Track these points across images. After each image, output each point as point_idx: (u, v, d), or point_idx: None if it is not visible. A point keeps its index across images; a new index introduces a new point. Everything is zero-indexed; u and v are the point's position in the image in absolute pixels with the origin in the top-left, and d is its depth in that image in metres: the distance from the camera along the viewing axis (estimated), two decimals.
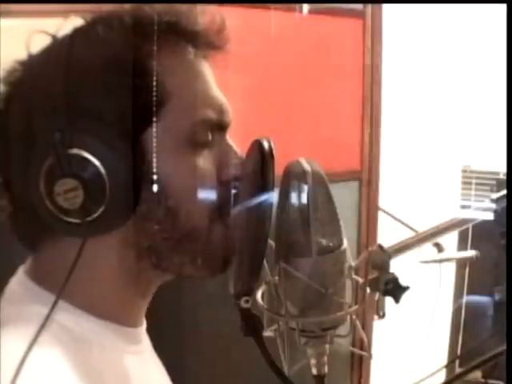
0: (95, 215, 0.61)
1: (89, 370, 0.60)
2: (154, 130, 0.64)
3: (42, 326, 0.56)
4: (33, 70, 0.65)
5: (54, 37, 0.66)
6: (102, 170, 0.61)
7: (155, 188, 0.64)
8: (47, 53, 0.66)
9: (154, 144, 0.64)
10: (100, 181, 0.61)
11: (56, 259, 0.66)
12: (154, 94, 0.63)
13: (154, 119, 0.64)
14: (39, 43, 0.67)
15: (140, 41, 0.64)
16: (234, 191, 0.69)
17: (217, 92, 0.70)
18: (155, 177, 0.64)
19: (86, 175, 0.60)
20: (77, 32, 0.66)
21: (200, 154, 0.67)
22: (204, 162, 0.67)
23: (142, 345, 0.73)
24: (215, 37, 0.70)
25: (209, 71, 0.70)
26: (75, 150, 0.60)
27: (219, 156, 0.69)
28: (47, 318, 0.57)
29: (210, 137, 0.68)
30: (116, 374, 0.65)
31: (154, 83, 0.63)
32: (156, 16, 0.65)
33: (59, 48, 0.65)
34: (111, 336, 0.67)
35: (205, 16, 0.69)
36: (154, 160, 0.64)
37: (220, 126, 0.69)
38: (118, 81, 0.63)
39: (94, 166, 0.60)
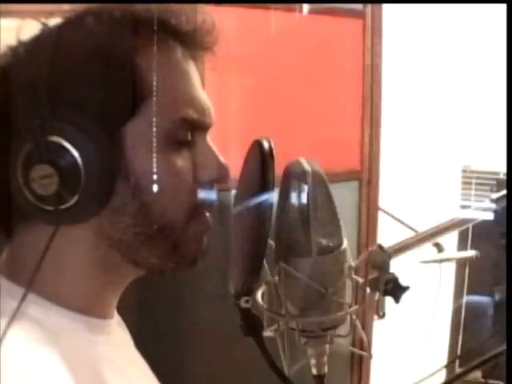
0: (69, 204, 0.62)
1: (58, 362, 0.59)
2: (154, 126, 0.65)
3: (12, 319, 0.56)
4: (19, 56, 0.66)
5: (44, 25, 0.66)
6: (78, 159, 0.61)
7: (155, 188, 0.65)
8: (35, 40, 0.67)
9: (154, 139, 0.64)
10: (76, 170, 0.61)
11: (26, 251, 0.66)
12: (134, 88, 0.64)
13: (155, 111, 0.65)
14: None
15: (127, 35, 0.65)
16: (234, 191, 0.70)
17: (200, 93, 0.70)
18: (155, 176, 0.64)
19: (62, 163, 0.61)
20: (66, 22, 0.67)
21: (178, 153, 0.67)
22: (182, 160, 0.67)
23: (114, 337, 0.72)
24: (204, 38, 0.70)
25: (195, 72, 0.71)
26: (54, 138, 0.61)
27: (198, 157, 0.69)
28: (16, 311, 0.57)
29: (189, 136, 0.68)
30: (86, 365, 0.64)
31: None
32: (146, 12, 0.66)
33: (47, 37, 0.65)
34: (81, 328, 0.67)
35: (195, 16, 0.70)
36: (154, 160, 0.65)
37: (201, 127, 0.70)
38: (101, 73, 0.63)
39: (72, 154, 0.61)
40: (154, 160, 0.64)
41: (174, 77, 0.68)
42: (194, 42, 0.70)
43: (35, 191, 0.61)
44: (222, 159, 0.70)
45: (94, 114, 0.63)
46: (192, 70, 0.70)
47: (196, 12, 0.70)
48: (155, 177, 0.65)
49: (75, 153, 0.61)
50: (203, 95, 0.70)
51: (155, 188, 0.65)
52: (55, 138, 0.61)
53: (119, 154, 0.64)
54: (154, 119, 0.64)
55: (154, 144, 0.64)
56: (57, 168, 0.61)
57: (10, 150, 0.62)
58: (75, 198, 0.62)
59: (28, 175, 0.61)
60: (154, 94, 0.64)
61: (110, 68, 0.63)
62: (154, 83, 0.64)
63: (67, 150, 0.61)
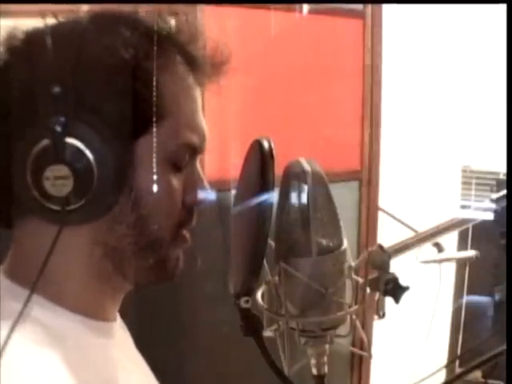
0: (75, 206, 0.62)
1: (64, 364, 0.60)
2: (156, 135, 0.66)
3: (17, 321, 0.57)
4: (41, 49, 0.63)
5: (61, 25, 0.66)
6: (94, 164, 0.62)
7: (155, 188, 0.66)
8: (59, 37, 0.64)
9: (155, 159, 0.66)
10: (90, 175, 0.62)
11: (27, 252, 0.67)
12: (155, 107, 0.65)
13: (153, 128, 0.66)
14: None
15: (153, 53, 0.65)
16: (234, 191, 0.70)
17: (203, 119, 0.72)
18: (154, 193, 0.66)
19: (79, 166, 0.61)
20: (90, 22, 0.67)
21: (173, 174, 0.69)
22: (176, 182, 0.69)
23: (116, 339, 0.73)
24: (215, 69, 0.73)
25: (200, 98, 0.73)
26: (73, 140, 0.61)
27: (187, 179, 0.71)
28: (21, 313, 0.58)
29: (186, 159, 0.70)
30: (91, 367, 0.65)
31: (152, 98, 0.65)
32: (170, 31, 0.69)
33: (72, 34, 0.65)
34: (84, 330, 0.68)
35: (210, 45, 0.72)
36: (154, 163, 0.65)
37: (197, 152, 0.72)
38: (123, 85, 0.64)
39: (88, 159, 0.62)
40: (154, 162, 0.65)
41: (184, 102, 0.70)
42: (205, 71, 0.72)
43: (46, 190, 0.61)
44: (206, 183, 0.72)
45: (114, 123, 0.63)
46: (198, 96, 0.72)
47: (213, 41, 0.72)
48: (154, 194, 0.67)
49: (91, 158, 0.62)
50: (203, 121, 0.72)
51: (155, 188, 0.66)
52: (74, 141, 0.61)
53: (129, 166, 0.65)
54: (155, 137, 0.66)
55: (154, 151, 0.66)
56: (74, 171, 0.61)
57: (24, 144, 0.62)
58: (82, 201, 0.62)
59: (42, 174, 0.61)
60: (155, 103, 0.65)
61: (133, 81, 0.64)
62: (154, 91, 0.65)
63: (85, 155, 0.61)
